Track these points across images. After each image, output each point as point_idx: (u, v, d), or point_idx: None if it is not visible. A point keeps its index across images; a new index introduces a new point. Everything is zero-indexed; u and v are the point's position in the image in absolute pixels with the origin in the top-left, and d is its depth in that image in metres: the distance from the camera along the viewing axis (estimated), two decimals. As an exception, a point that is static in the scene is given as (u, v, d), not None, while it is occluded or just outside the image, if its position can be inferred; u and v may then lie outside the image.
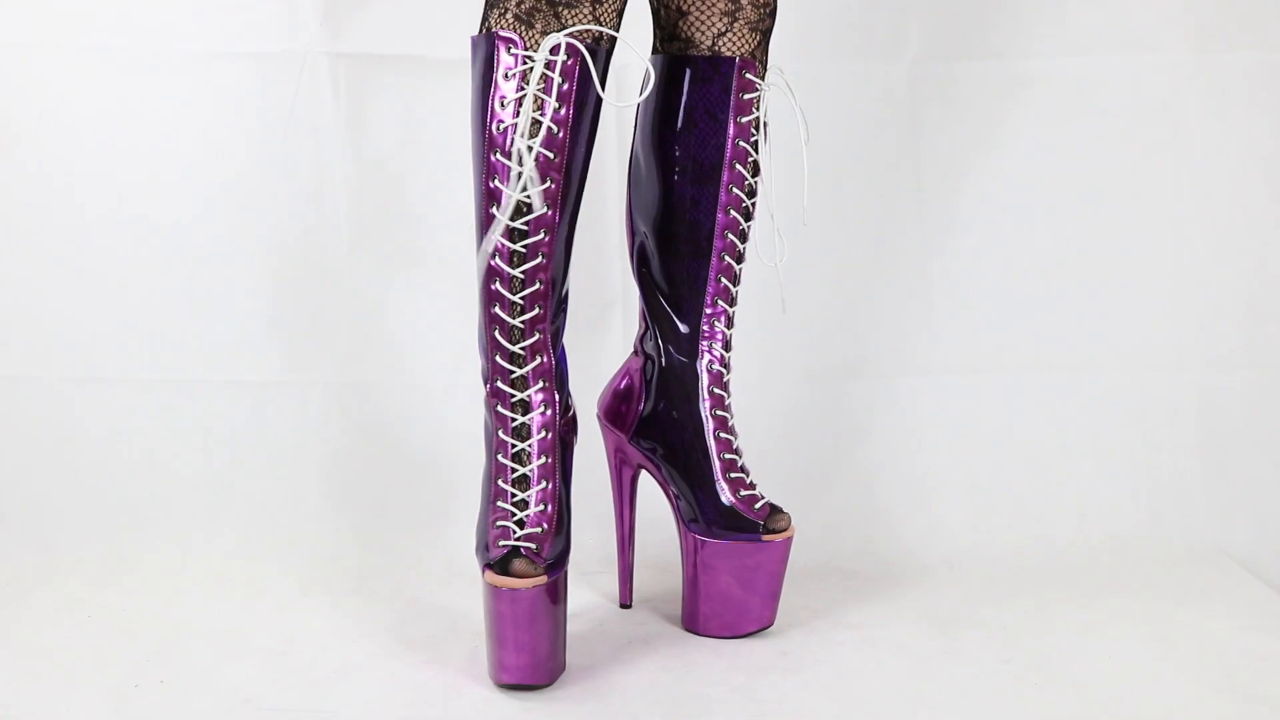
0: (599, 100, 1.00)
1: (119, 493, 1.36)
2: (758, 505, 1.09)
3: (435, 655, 1.07)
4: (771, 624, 1.11)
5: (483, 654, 1.06)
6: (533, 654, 0.97)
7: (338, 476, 1.38)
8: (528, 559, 0.95)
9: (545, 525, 0.98)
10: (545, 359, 1.02)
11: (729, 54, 1.09)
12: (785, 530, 1.10)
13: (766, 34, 1.11)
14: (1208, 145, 1.40)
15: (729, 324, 1.13)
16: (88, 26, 1.37)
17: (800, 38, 1.37)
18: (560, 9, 0.99)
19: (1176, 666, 1.05)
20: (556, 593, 0.98)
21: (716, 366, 1.12)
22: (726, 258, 1.11)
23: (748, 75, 1.09)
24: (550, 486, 1.00)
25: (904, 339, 1.41)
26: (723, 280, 1.11)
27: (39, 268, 1.38)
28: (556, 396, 1.03)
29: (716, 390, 1.12)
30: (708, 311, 1.12)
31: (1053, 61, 1.39)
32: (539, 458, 1.00)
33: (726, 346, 1.13)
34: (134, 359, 1.38)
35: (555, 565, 0.97)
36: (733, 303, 1.12)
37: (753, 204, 1.12)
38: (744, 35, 1.10)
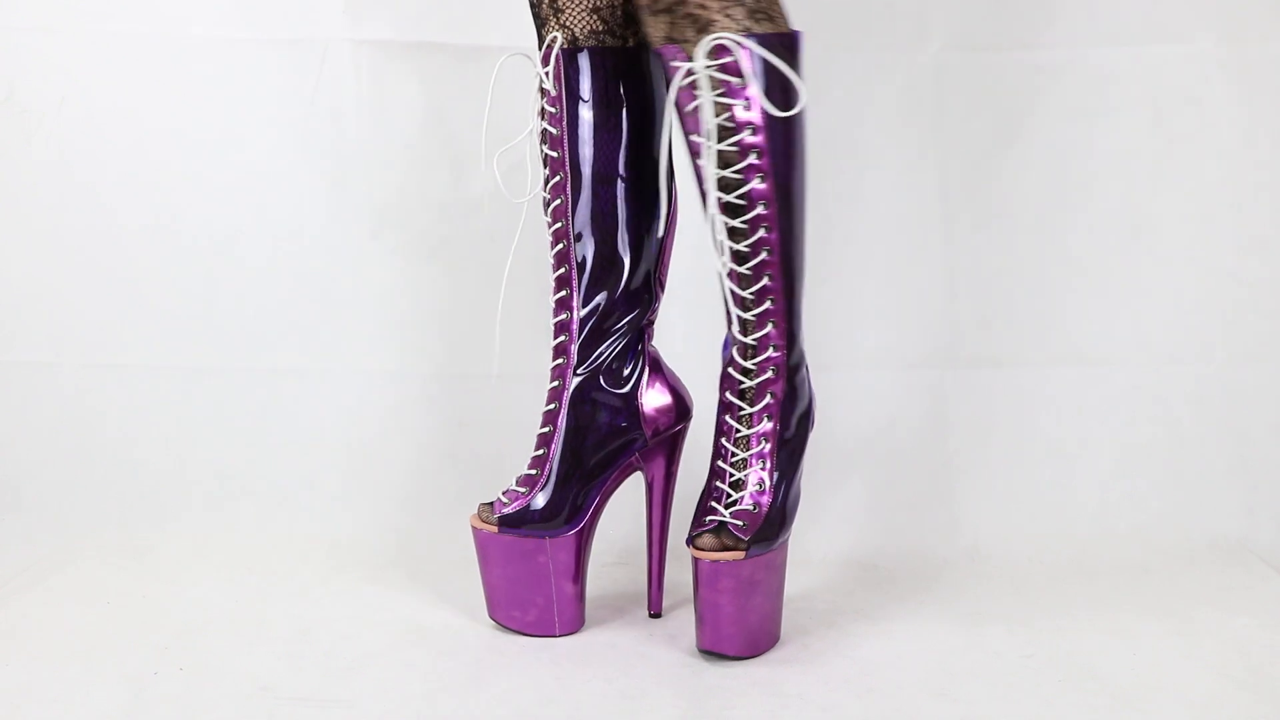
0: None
1: (137, 479, 1.37)
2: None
3: (453, 644, 1.07)
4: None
5: (500, 643, 1.07)
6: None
7: (356, 464, 1.38)
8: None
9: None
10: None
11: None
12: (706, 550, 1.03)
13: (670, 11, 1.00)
14: (1235, 137, 1.38)
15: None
16: (109, 12, 1.37)
17: (824, 28, 1.36)
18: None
19: (1200, 662, 1.04)
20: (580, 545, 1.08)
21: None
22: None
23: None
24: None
25: (927, 331, 1.40)
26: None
27: (58, 254, 1.38)
28: None
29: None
30: None
31: (1079, 52, 1.38)
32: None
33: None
34: (152, 346, 1.39)
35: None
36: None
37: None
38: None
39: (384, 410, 1.39)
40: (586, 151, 1.06)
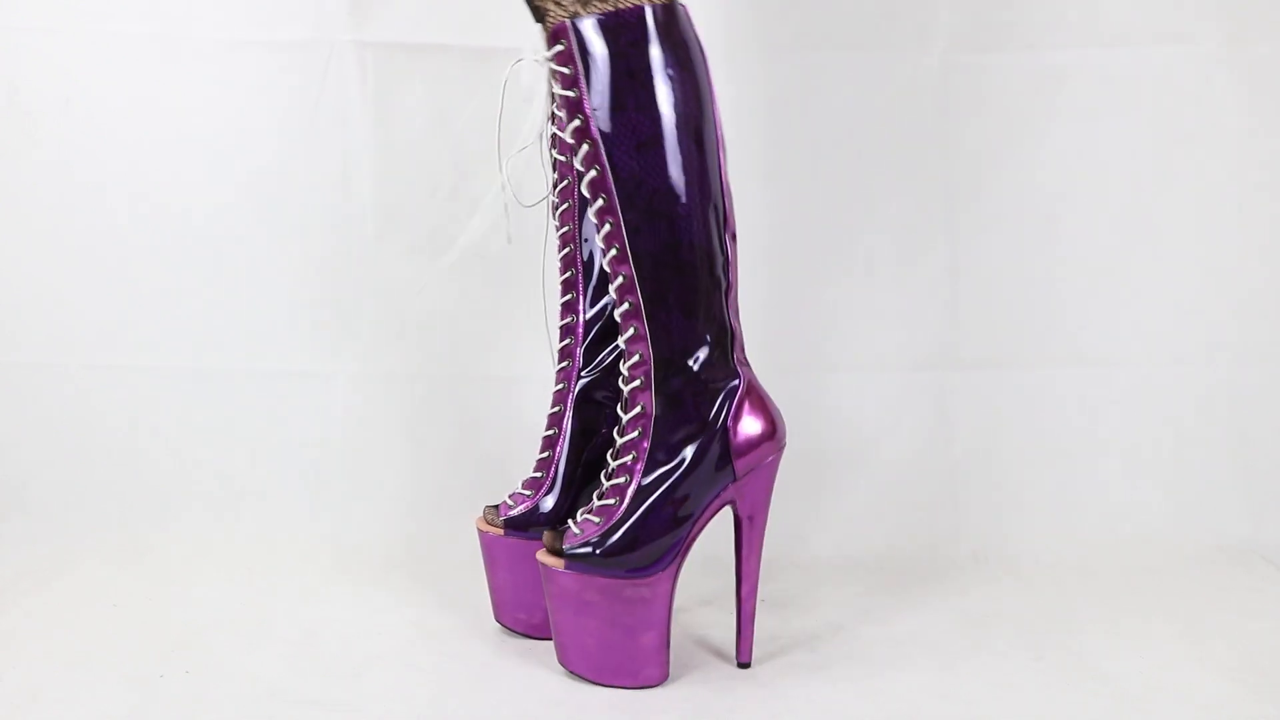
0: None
1: (140, 481, 1.36)
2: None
3: (459, 649, 1.07)
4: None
5: (506, 646, 1.06)
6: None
7: (361, 466, 1.38)
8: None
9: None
10: None
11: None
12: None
13: None
14: (1241, 138, 1.38)
15: None
16: (113, 13, 1.36)
17: (828, 27, 1.36)
18: None
19: (1207, 665, 1.03)
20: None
21: None
22: None
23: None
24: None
25: (931, 333, 1.40)
26: None
27: (61, 255, 1.38)
28: None
29: None
30: None
31: (1085, 53, 1.37)
32: None
33: None
34: (156, 348, 1.38)
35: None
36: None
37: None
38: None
39: (389, 412, 1.39)
40: None
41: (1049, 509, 1.36)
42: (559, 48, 0.90)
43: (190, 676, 1.01)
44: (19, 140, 1.37)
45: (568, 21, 0.90)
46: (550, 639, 1.03)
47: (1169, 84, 1.38)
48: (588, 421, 1.08)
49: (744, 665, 1.01)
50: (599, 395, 1.08)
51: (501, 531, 1.07)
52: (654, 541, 0.94)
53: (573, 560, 0.95)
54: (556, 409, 1.09)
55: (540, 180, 1.09)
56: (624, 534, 0.94)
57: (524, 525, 1.07)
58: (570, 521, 0.98)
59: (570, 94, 0.90)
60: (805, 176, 1.38)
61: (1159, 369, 1.39)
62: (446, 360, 1.39)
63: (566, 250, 1.09)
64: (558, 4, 0.90)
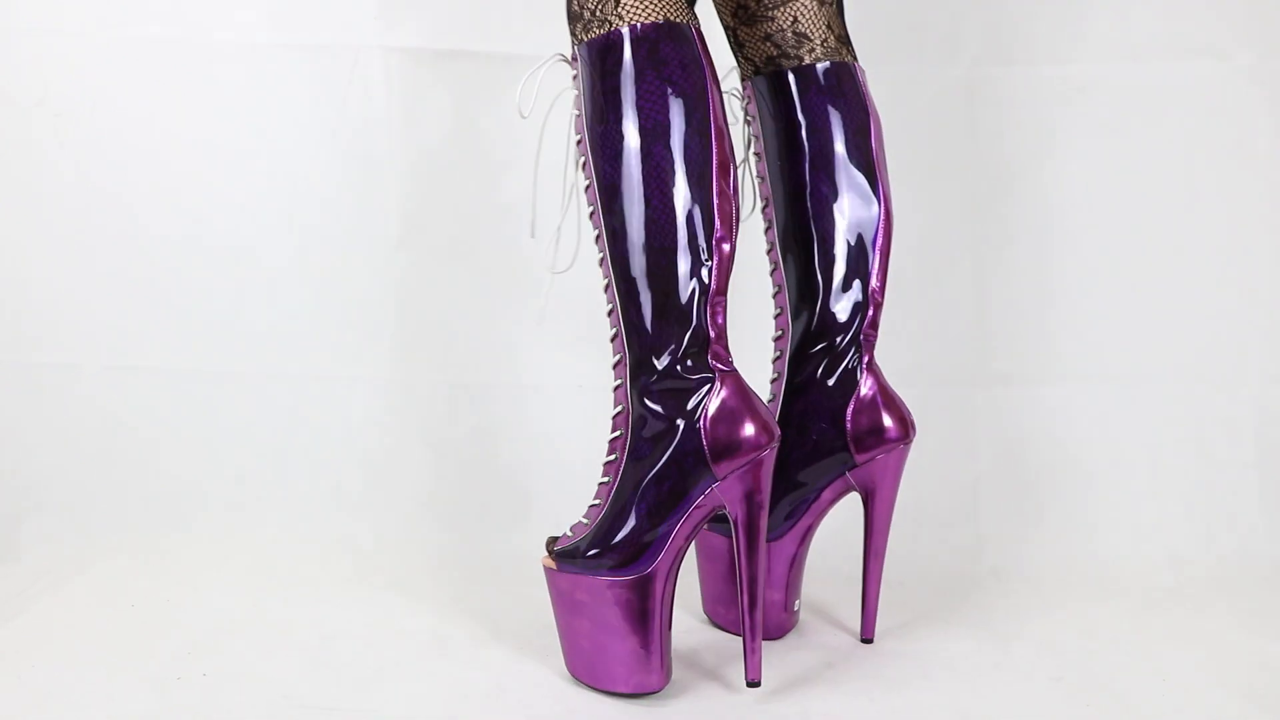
0: None
1: (160, 483, 1.37)
2: None
3: (476, 656, 1.06)
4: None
5: (524, 655, 1.06)
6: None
7: (381, 472, 1.38)
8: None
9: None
10: None
11: None
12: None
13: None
14: (1272, 155, 1.37)
15: None
16: (142, 17, 1.37)
17: (855, 37, 1.35)
18: None
19: (1232, 689, 1.02)
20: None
21: None
22: None
23: None
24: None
25: (955, 347, 1.39)
26: None
27: (85, 258, 1.38)
28: None
29: None
30: None
31: (1113, 67, 1.37)
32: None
33: None
34: (177, 350, 1.38)
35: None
36: None
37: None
38: None
39: (410, 418, 1.39)
40: None
41: (1071, 527, 1.34)
42: (574, 72, 0.99)
43: (207, 680, 1.01)
44: (48, 142, 1.38)
45: (574, 48, 0.99)
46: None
47: (1198, 99, 1.37)
48: (792, 433, 1.08)
49: (753, 684, 0.98)
50: (805, 409, 1.08)
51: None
52: (633, 542, 0.94)
53: (560, 560, 0.98)
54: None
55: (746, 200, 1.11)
56: (604, 534, 0.96)
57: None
58: (568, 527, 1.01)
59: (577, 112, 0.99)
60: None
61: (1185, 386, 1.38)
62: (469, 367, 1.39)
63: (775, 268, 1.11)
64: (572, 34, 0.99)
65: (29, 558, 1.29)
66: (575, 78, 0.99)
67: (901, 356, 1.39)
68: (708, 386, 0.95)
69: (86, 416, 1.38)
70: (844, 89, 1.07)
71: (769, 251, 1.11)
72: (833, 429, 1.06)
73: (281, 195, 1.39)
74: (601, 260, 0.97)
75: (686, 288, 0.94)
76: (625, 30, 0.95)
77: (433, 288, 1.39)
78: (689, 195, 0.94)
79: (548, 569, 0.99)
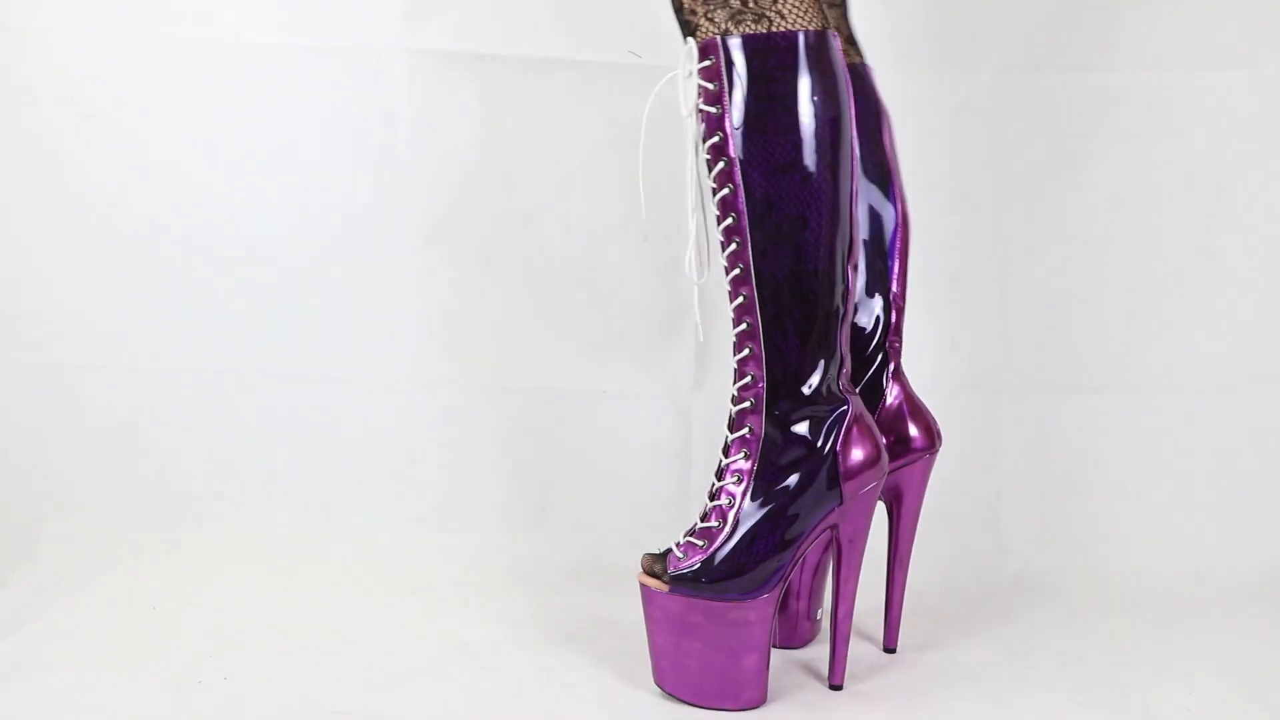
0: None
1: (181, 484, 1.36)
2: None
3: (495, 661, 1.06)
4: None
5: (544, 660, 1.05)
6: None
7: (402, 476, 1.37)
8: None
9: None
10: None
11: None
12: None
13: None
14: (1301, 165, 1.36)
15: None
16: (165, 18, 1.36)
17: (879, 44, 1.34)
18: None
19: (1259, 705, 1.01)
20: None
21: None
22: None
23: None
24: None
25: (979, 355, 1.38)
26: None
27: (109, 257, 1.38)
28: None
29: None
30: None
31: (1142, 75, 1.35)
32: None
33: None
34: (200, 351, 1.38)
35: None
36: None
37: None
38: None
39: (430, 422, 1.38)
40: None
41: (1095, 538, 1.33)
42: (706, 63, 0.91)
43: (228, 683, 1.01)
44: (73, 142, 1.37)
45: (718, 38, 0.91)
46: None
47: (1227, 109, 1.35)
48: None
49: (836, 687, 1.01)
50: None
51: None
52: (761, 565, 0.94)
53: (678, 584, 0.95)
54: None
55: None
56: (730, 558, 0.94)
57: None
58: (673, 546, 0.97)
59: (712, 109, 0.91)
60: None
61: (1211, 397, 1.36)
62: (489, 370, 1.39)
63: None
64: (709, 20, 0.91)
65: (49, 559, 1.28)
66: (705, 72, 0.91)
67: (924, 363, 1.37)
68: (844, 411, 0.95)
69: (107, 418, 1.38)
70: (854, 92, 1.06)
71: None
72: None
73: (304, 198, 1.38)
74: (740, 277, 0.93)
75: (834, 312, 0.93)
76: (800, 36, 0.90)
77: (455, 291, 1.39)
78: (841, 217, 0.92)
79: (653, 591, 0.96)
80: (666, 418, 1.36)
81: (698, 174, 0.95)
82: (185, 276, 1.38)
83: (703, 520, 0.97)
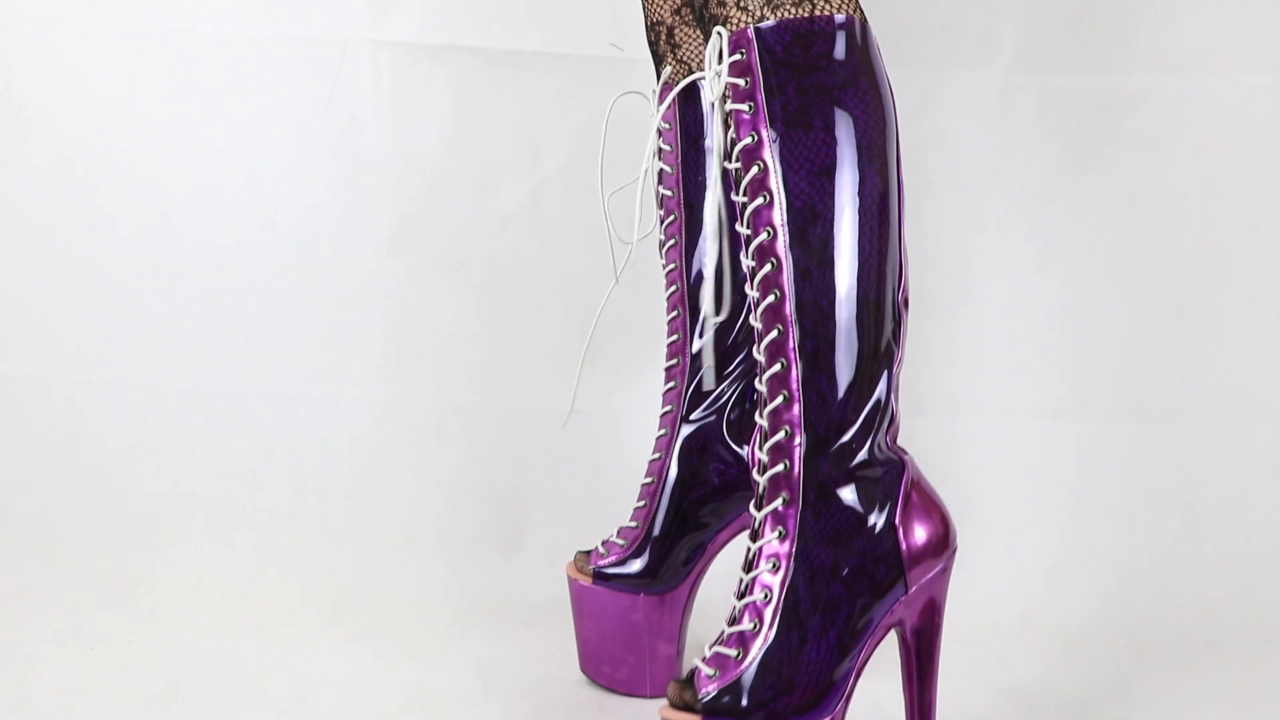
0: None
1: (130, 506, 1.33)
2: None
3: (461, 714, 1.00)
4: None
5: (515, 715, 1.00)
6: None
7: (365, 498, 1.34)
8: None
9: None
10: None
11: None
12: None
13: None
14: (1325, 175, 1.32)
15: None
16: (113, 4, 1.33)
17: (885, 42, 1.29)
18: None
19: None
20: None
21: None
22: None
23: None
24: None
25: (981, 374, 1.34)
26: None
27: (54, 260, 1.35)
28: None
29: None
30: None
31: (1159, 79, 1.31)
32: None
33: None
34: (150, 363, 1.35)
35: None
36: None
37: None
38: None
39: (397, 440, 1.35)
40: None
41: (1102, 571, 1.29)
42: (737, 57, 0.79)
43: (170, 740, 0.95)
44: (11, 135, 1.34)
45: (751, 28, 0.78)
46: (632, 695, 1.03)
47: (1249, 115, 1.31)
48: (689, 471, 1.06)
49: None
50: (702, 444, 1.07)
51: (590, 580, 1.05)
52: (819, 677, 0.76)
53: (714, 714, 0.76)
54: (657, 456, 1.08)
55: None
56: (779, 672, 0.76)
57: (613, 578, 1.05)
58: (699, 662, 0.79)
59: (744, 109, 0.79)
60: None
61: (1227, 424, 1.32)
62: (460, 386, 1.36)
63: (674, 289, 1.08)
64: (741, 8, 0.79)
65: (-10, 582, 1.24)
66: (736, 68, 0.79)
67: (923, 383, 1.32)
68: (896, 474, 0.80)
69: (55, 432, 1.35)
70: None
71: (671, 271, 1.09)
72: (738, 465, 1.06)
73: (262, 198, 1.35)
74: (774, 305, 0.78)
75: (884, 353, 0.79)
76: (843, 20, 0.78)
77: (423, 300, 1.35)
78: (890, 235, 0.79)
79: None
80: (650, 440, 1.32)
81: (717, 194, 0.82)
82: (134, 283, 1.35)
83: (731, 624, 0.78)
